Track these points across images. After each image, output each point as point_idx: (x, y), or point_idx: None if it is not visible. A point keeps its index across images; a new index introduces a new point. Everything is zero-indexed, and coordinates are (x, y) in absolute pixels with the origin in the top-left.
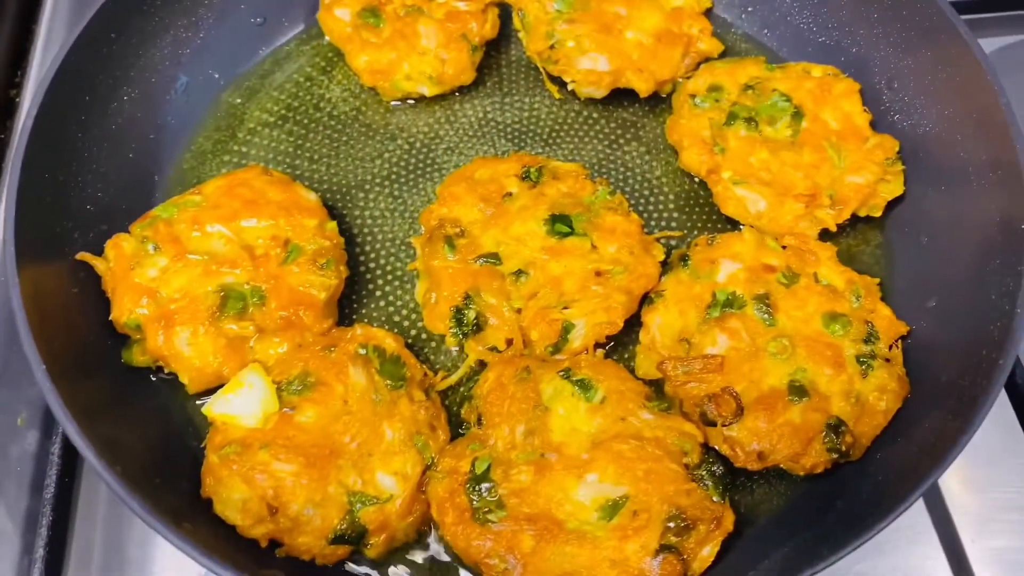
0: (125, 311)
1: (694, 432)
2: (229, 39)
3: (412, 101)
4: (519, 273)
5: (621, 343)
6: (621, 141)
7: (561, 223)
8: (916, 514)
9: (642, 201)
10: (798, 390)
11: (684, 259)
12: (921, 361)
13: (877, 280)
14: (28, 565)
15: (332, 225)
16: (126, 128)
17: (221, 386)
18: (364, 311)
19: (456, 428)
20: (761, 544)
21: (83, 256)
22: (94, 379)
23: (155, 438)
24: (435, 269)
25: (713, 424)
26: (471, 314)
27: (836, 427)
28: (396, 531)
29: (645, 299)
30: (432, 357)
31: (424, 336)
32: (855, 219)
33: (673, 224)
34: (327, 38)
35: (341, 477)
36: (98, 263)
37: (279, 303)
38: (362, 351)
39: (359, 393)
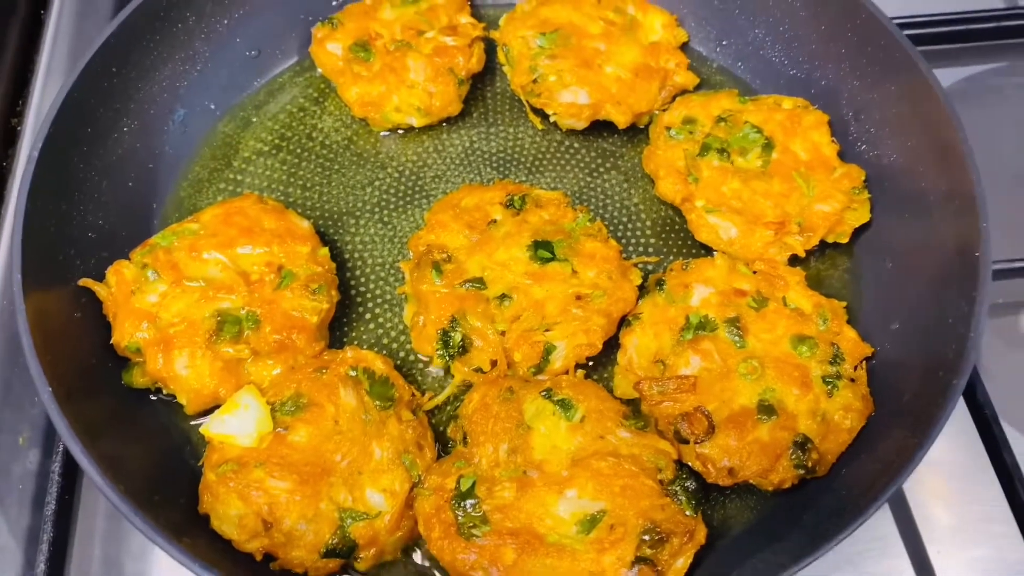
0: (126, 335)
1: (668, 449)
2: (225, 71)
3: (401, 131)
4: (503, 297)
5: (600, 363)
6: (601, 170)
7: (543, 249)
8: (885, 525)
9: (620, 227)
10: (767, 409)
11: (660, 284)
12: (884, 381)
13: (844, 304)
14: None
15: (324, 251)
16: (126, 158)
17: (218, 406)
18: (354, 334)
19: (443, 447)
20: (732, 556)
21: (85, 282)
22: (96, 400)
23: (155, 456)
24: (423, 293)
25: (686, 441)
26: (457, 336)
27: (802, 444)
28: (385, 546)
29: (623, 322)
30: (420, 378)
31: (412, 358)
32: (824, 245)
33: (650, 249)
34: (320, 70)
35: (332, 494)
36: (99, 289)
37: (273, 327)
38: (352, 373)
39: (349, 414)
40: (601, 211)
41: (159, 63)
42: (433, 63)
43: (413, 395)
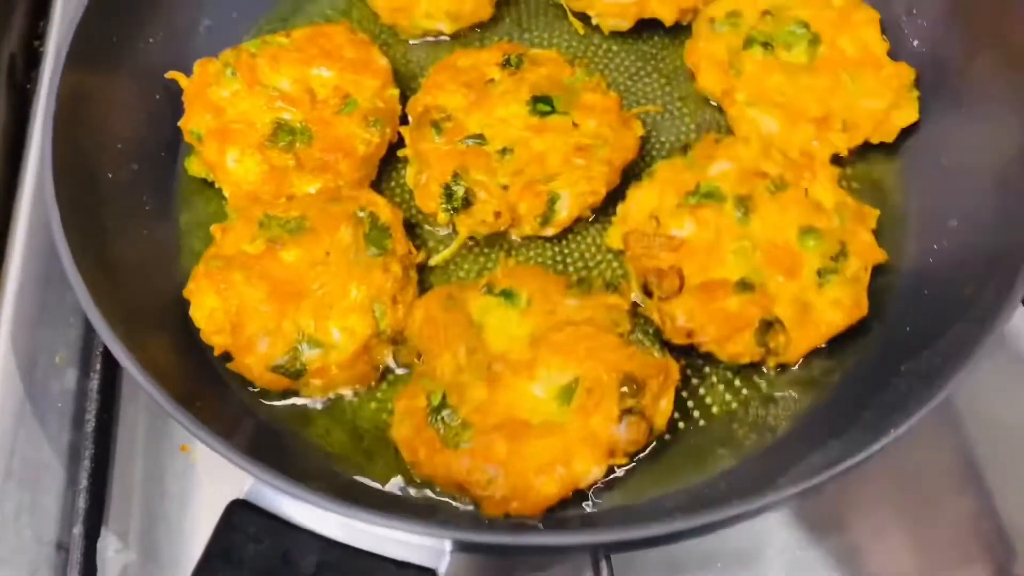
0: (192, 120)
1: (618, 302)
2: None
3: (431, 39)
4: (504, 151)
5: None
6: (642, 73)
7: (543, 103)
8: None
9: (663, 128)
10: (745, 286)
11: (685, 148)
12: (944, 277)
13: (877, 212)
14: (73, 495)
15: (393, 92)
16: (152, 70)
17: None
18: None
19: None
20: (784, 456)
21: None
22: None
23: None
24: (423, 152)
25: (651, 295)
26: (460, 190)
27: (770, 324)
28: (334, 379)
29: (632, 177)
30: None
31: None
32: (872, 145)
33: None
34: None
35: (298, 317)
36: (181, 78)
37: (322, 146)
38: (361, 213)
39: (341, 249)
40: (642, 112)
41: None
42: None
43: (409, 251)
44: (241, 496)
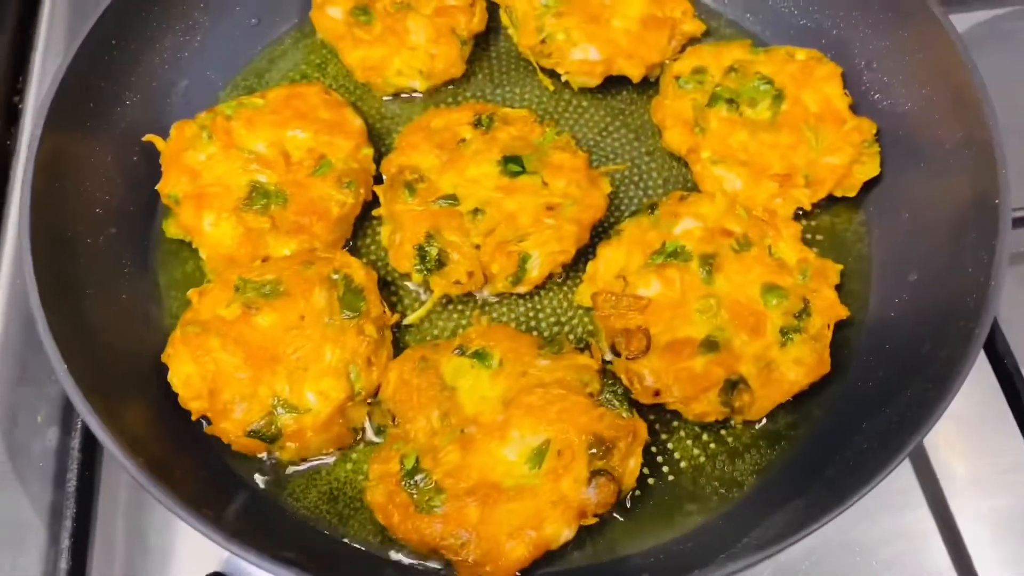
0: (169, 184)
1: (588, 362)
2: (226, 41)
3: (405, 96)
4: (476, 211)
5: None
6: (611, 128)
7: (513, 163)
8: (906, 478)
9: (631, 183)
10: (710, 345)
11: (652, 207)
12: (902, 333)
13: (840, 267)
14: (55, 555)
15: (367, 152)
16: (130, 132)
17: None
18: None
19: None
20: (750, 513)
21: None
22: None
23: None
24: (397, 213)
25: (620, 355)
26: (433, 251)
27: (734, 383)
28: (309, 442)
29: (601, 233)
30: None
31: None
32: (836, 199)
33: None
34: (321, 36)
35: (273, 381)
36: (158, 141)
37: (297, 208)
38: (335, 276)
39: (315, 313)
40: (610, 171)
41: (159, 34)
42: (434, 24)
43: (384, 312)
44: (219, 567)
